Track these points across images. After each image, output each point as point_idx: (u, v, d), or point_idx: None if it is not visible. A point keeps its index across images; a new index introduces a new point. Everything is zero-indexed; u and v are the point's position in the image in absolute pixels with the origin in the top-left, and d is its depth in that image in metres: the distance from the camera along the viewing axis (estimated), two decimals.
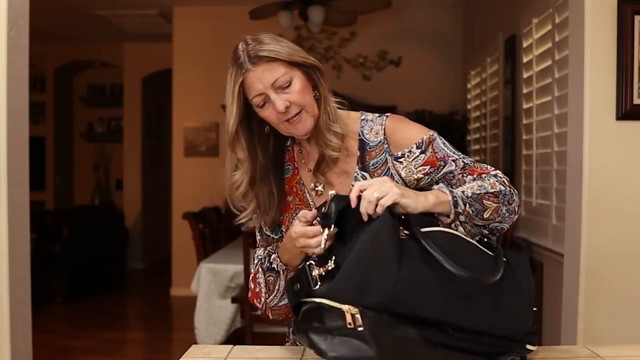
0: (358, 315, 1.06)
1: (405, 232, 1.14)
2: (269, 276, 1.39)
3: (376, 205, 1.13)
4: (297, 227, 1.22)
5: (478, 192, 1.25)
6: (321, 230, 1.17)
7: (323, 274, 1.11)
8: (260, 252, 1.46)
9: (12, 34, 2.07)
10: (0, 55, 2.04)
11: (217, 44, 6.03)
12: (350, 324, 1.06)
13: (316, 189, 1.41)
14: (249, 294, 1.45)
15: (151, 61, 7.31)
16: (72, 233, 5.96)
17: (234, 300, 3.51)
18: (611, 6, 2.20)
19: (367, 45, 6.00)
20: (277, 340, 1.20)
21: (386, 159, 1.38)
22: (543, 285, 3.43)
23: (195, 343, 2.54)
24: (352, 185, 1.19)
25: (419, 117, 5.34)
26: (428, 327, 1.09)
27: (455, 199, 1.22)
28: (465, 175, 1.35)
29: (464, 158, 1.37)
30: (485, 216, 1.25)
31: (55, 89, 7.88)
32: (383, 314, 1.07)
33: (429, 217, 1.22)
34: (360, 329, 1.05)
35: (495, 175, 1.33)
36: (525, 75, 3.77)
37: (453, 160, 1.36)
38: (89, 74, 8.35)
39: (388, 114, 1.43)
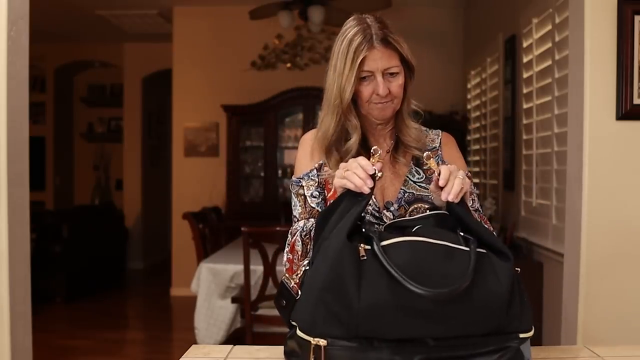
0: (322, 348, 1.08)
1: (367, 247, 1.12)
2: (307, 238, 1.41)
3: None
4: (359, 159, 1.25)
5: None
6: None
7: (298, 281, 1.15)
8: (300, 223, 1.47)
9: (12, 34, 2.07)
10: (0, 55, 2.04)
11: (217, 44, 6.04)
12: (314, 357, 1.09)
13: (376, 172, 1.43)
14: (286, 265, 1.46)
15: (151, 61, 7.31)
16: (72, 233, 5.96)
17: (234, 300, 3.51)
18: (611, 6, 2.20)
19: None
20: (277, 340, 1.20)
21: (438, 162, 1.51)
22: (543, 285, 3.44)
23: (195, 343, 2.54)
24: (434, 169, 1.28)
25: (419, 117, 5.32)
26: (405, 343, 1.08)
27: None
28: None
29: (478, 204, 1.50)
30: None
31: (55, 89, 7.88)
32: (354, 339, 1.08)
33: (399, 223, 1.26)
34: None
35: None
36: (525, 75, 3.77)
37: (472, 199, 1.47)
38: (89, 74, 8.35)
39: (439, 130, 1.59)
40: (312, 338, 1.09)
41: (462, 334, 1.10)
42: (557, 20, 3.14)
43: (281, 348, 1.31)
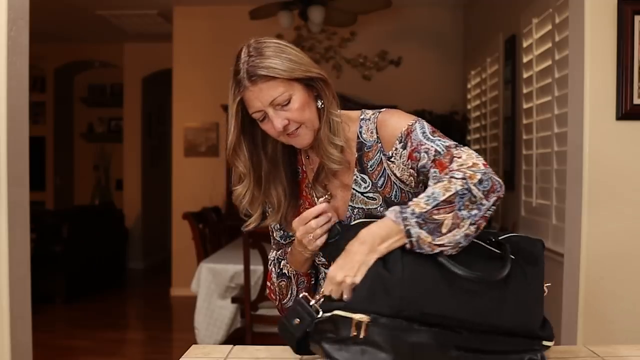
0: (364, 324, 1.06)
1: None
2: (281, 281, 1.43)
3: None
4: (294, 223, 1.28)
5: (424, 209, 1.11)
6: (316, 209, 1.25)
7: (322, 300, 1.13)
8: (272, 254, 1.49)
9: (12, 34, 2.07)
10: (0, 55, 2.04)
11: (217, 44, 6.03)
12: (354, 333, 1.07)
13: (319, 198, 1.40)
14: (267, 291, 1.51)
15: (151, 61, 7.31)
16: (72, 233, 5.96)
17: (234, 300, 3.51)
18: (611, 6, 2.20)
19: (367, 45, 6.00)
20: (277, 340, 1.20)
21: (381, 159, 1.33)
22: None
23: (195, 343, 2.54)
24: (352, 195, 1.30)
25: (419, 117, 5.32)
26: (442, 330, 1.09)
27: (406, 225, 1.11)
28: (432, 169, 1.22)
29: (438, 145, 1.24)
30: (443, 231, 1.10)
31: (55, 89, 7.89)
32: (396, 319, 1.07)
33: None
34: (361, 336, 1.07)
35: (454, 175, 1.16)
36: (525, 75, 3.77)
37: (425, 151, 1.25)
38: (89, 74, 8.35)
39: (383, 109, 1.37)
40: (354, 315, 1.07)
41: (494, 324, 1.12)
42: (557, 20, 3.14)
43: (281, 348, 1.31)
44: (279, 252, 1.47)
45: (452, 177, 1.15)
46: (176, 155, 6.24)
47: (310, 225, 1.25)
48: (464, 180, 1.13)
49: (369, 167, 1.34)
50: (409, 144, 1.28)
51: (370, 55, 6.00)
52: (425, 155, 1.24)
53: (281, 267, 1.43)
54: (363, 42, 6.00)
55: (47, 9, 5.30)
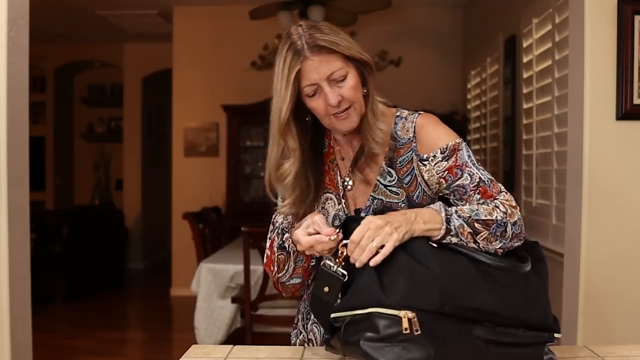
0: (415, 320, 1.05)
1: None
2: (280, 254, 1.38)
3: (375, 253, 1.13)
4: (303, 237, 1.22)
5: (468, 215, 1.21)
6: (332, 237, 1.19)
7: (343, 263, 1.13)
8: (279, 220, 1.42)
9: (12, 34, 2.07)
10: (0, 55, 2.04)
11: (217, 44, 6.04)
12: (406, 329, 1.05)
13: (345, 183, 1.40)
14: (264, 260, 1.44)
15: (151, 61, 7.31)
16: (72, 233, 5.96)
17: (234, 300, 3.51)
18: (611, 6, 2.20)
19: (367, 45, 5.88)
20: (277, 340, 1.20)
21: (412, 157, 1.36)
22: None
23: (195, 343, 2.54)
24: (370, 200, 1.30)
25: None
26: (478, 325, 1.10)
27: (448, 216, 1.20)
28: (475, 193, 1.30)
29: (483, 174, 1.32)
30: (478, 239, 1.20)
31: (55, 89, 7.89)
32: (436, 314, 1.07)
33: None
34: (417, 332, 1.05)
35: (499, 204, 1.27)
36: (525, 75, 3.77)
37: (470, 174, 1.31)
38: (89, 74, 8.35)
39: (421, 112, 1.41)
40: (398, 311, 1.06)
41: (521, 319, 1.13)
42: (557, 20, 3.14)
43: (281, 348, 1.31)
44: (286, 223, 1.40)
45: (496, 205, 1.25)
46: (176, 155, 6.24)
47: (317, 248, 1.21)
48: (505, 215, 1.24)
49: (397, 162, 1.36)
50: (453, 159, 1.33)
51: (370, 55, 5.95)
52: (469, 178, 1.31)
53: (283, 239, 1.37)
54: (363, 42, 5.86)
55: (47, 9, 5.30)
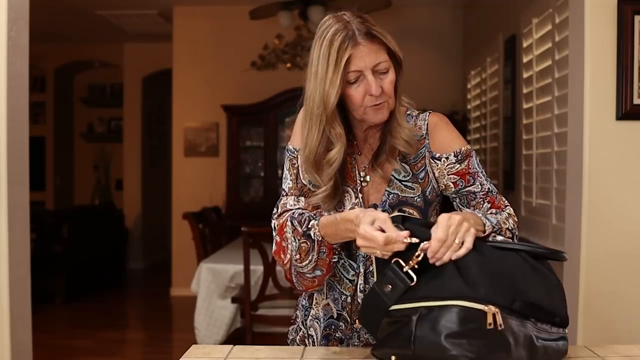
0: (499, 315, 1.04)
1: None
2: (303, 242, 1.31)
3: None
4: (377, 233, 1.14)
5: (496, 220, 1.30)
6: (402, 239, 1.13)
7: (416, 267, 1.09)
8: (290, 200, 1.39)
9: (12, 34, 2.07)
10: (0, 55, 2.04)
11: (217, 44, 6.04)
12: (490, 324, 1.03)
13: (363, 178, 1.40)
14: (274, 247, 1.38)
15: (151, 61, 7.32)
16: (72, 233, 5.96)
17: (234, 300, 3.51)
18: (611, 6, 2.20)
19: None
20: (277, 340, 1.20)
21: (425, 154, 1.39)
22: None
23: (195, 343, 2.54)
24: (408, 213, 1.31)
25: None
26: (527, 320, 1.10)
27: (484, 217, 1.28)
28: (485, 201, 1.38)
29: (491, 185, 1.40)
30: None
31: (55, 89, 7.89)
32: (505, 309, 1.06)
33: None
34: (501, 327, 1.04)
35: (509, 214, 1.37)
36: (525, 75, 3.76)
37: (480, 183, 1.38)
38: (89, 74, 8.35)
39: (430, 110, 1.43)
40: (483, 306, 1.04)
41: (539, 304, 1.12)
42: (557, 20, 3.14)
43: (281, 348, 1.31)
44: (307, 211, 1.36)
45: (509, 214, 1.36)
46: (176, 155, 6.24)
47: (390, 248, 1.14)
48: (514, 225, 1.34)
49: (411, 158, 1.39)
50: (465, 164, 1.38)
51: None
52: (480, 186, 1.38)
53: (309, 227, 1.31)
54: None
55: (47, 9, 5.30)
